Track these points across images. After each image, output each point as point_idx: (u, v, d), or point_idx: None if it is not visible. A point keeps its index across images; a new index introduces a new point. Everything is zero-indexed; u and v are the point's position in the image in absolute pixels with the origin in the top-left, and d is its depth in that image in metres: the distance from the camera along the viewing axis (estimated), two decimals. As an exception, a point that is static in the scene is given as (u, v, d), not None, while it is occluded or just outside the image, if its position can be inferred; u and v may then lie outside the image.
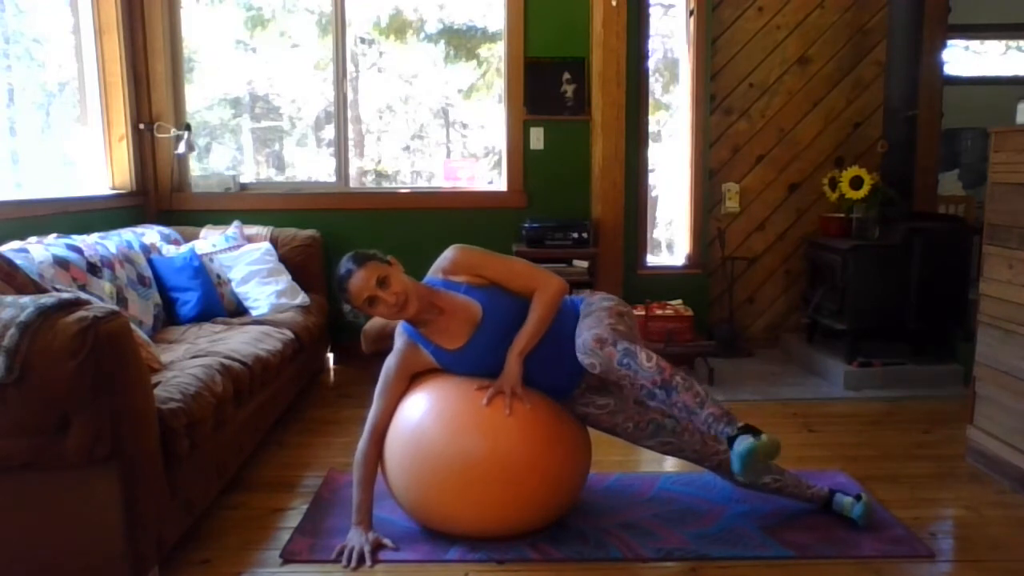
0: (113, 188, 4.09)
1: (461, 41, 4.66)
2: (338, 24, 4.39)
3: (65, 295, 1.91)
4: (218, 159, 4.76)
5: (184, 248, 3.72)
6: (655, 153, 4.75)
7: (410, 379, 2.35)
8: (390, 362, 2.34)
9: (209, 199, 4.36)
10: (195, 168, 4.53)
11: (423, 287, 2.26)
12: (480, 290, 2.27)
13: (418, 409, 2.23)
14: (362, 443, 2.29)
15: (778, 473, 2.40)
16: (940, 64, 4.46)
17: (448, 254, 2.32)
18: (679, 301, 4.20)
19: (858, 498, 2.37)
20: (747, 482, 2.20)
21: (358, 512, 2.24)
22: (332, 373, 4.27)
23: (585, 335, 2.11)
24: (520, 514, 2.22)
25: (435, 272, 2.33)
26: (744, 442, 1.92)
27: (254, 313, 3.59)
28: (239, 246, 3.85)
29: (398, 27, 4.65)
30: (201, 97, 4.62)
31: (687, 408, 2.03)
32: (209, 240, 3.86)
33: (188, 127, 4.25)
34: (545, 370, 2.29)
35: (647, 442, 2.38)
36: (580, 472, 2.34)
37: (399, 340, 2.36)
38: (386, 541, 2.22)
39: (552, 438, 2.22)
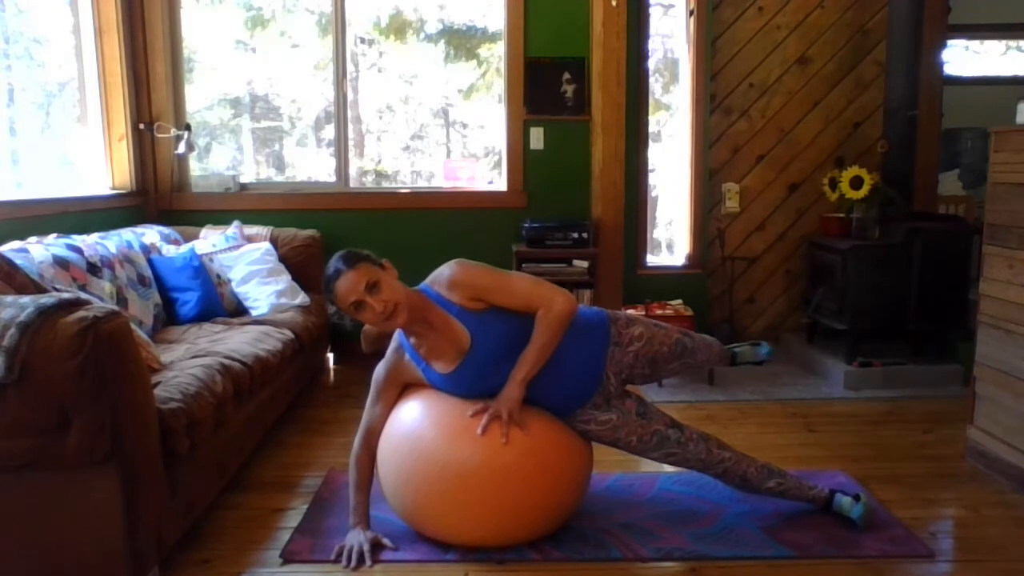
0: (113, 188, 4.09)
1: (461, 41, 4.66)
2: (338, 24, 4.39)
3: (65, 295, 1.91)
4: (218, 159, 4.76)
5: (184, 248, 3.72)
6: (655, 153, 4.75)
7: (401, 386, 2.32)
8: (379, 370, 2.31)
9: (209, 199, 4.36)
10: (195, 168, 4.53)
11: (417, 297, 2.15)
12: (473, 316, 2.15)
13: (414, 418, 2.21)
14: (355, 447, 2.29)
15: (781, 477, 2.39)
16: (940, 64, 4.46)
17: (446, 271, 2.18)
18: (679, 301, 4.20)
19: (857, 498, 2.36)
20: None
21: (355, 513, 2.24)
22: (332, 373, 4.26)
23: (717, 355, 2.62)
24: (518, 525, 2.18)
25: (431, 283, 2.20)
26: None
27: (254, 313, 3.59)
28: (239, 246, 3.85)
29: (398, 27, 4.65)
30: (201, 97, 4.62)
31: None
32: (209, 240, 3.86)
33: (188, 127, 4.25)
34: (550, 390, 2.22)
35: (652, 454, 2.32)
36: (580, 481, 2.29)
37: (391, 347, 2.32)
38: (385, 541, 2.21)
39: (552, 447, 2.19)
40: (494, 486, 2.10)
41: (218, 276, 3.66)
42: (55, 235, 3.04)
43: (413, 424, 2.20)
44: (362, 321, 2.14)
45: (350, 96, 4.55)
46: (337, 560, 2.15)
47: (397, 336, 2.31)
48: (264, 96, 4.78)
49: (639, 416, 2.30)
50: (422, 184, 4.81)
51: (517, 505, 2.14)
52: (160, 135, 4.25)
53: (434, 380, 2.25)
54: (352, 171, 4.60)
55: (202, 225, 4.11)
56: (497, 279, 2.18)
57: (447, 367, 2.20)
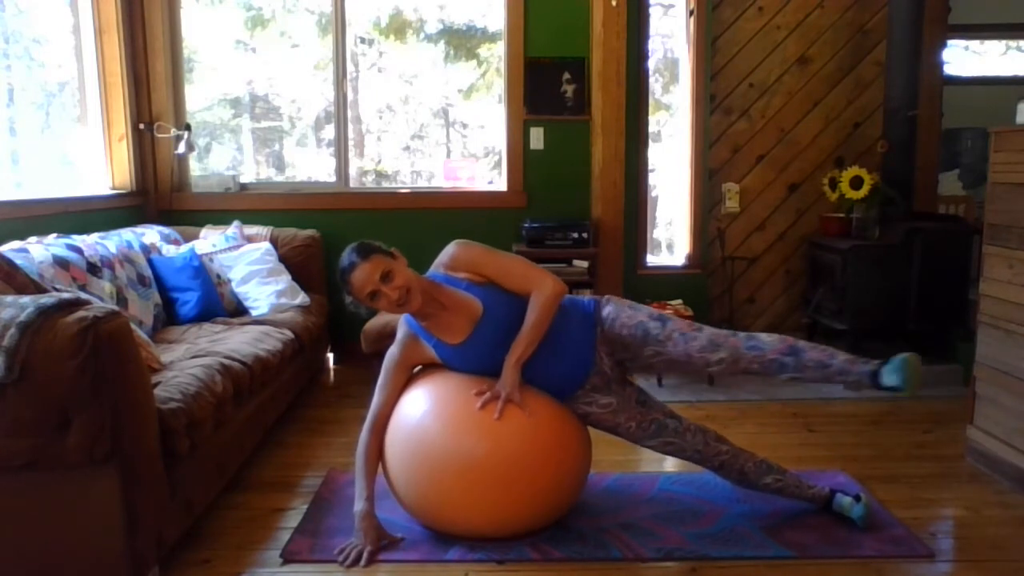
0: (113, 188, 4.09)
1: (461, 41, 4.66)
2: (338, 24, 4.39)
3: (65, 295, 1.91)
4: (218, 159, 4.76)
5: (184, 248, 3.72)
6: (655, 153, 4.75)
7: (411, 370, 2.36)
8: (392, 352, 2.35)
9: (209, 199, 4.36)
10: (195, 168, 4.53)
11: (425, 281, 2.26)
12: (480, 287, 2.26)
13: (419, 408, 2.23)
14: (363, 434, 2.30)
15: (779, 473, 2.40)
16: (940, 64, 4.46)
17: (449, 249, 2.31)
18: (679, 301, 4.20)
19: (857, 498, 2.36)
20: (910, 392, 2.07)
21: (360, 497, 2.23)
22: (332, 373, 4.26)
23: (708, 358, 2.20)
24: (520, 514, 2.21)
25: (437, 267, 2.33)
26: (895, 360, 2.07)
27: (254, 313, 3.59)
28: (239, 246, 3.85)
29: (398, 27, 4.65)
30: (201, 97, 4.62)
31: (821, 363, 2.15)
32: (209, 240, 3.86)
33: (188, 127, 4.25)
34: (547, 370, 2.27)
35: (649, 442, 2.37)
36: (580, 472, 2.33)
37: (401, 331, 2.37)
38: (392, 536, 2.23)
39: (552, 438, 2.22)
40: (497, 475, 2.13)
41: (218, 276, 3.66)
42: (55, 235, 3.04)
43: (418, 415, 2.22)
44: (379, 309, 2.23)
45: (350, 96, 4.55)
46: (339, 555, 2.16)
47: (403, 319, 2.36)
48: (264, 96, 4.78)
49: (639, 404, 2.36)
50: (422, 184, 4.81)
51: (520, 494, 2.17)
52: (160, 135, 4.25)
53: (445, 355, 2.29)
54: (352, 171, 4.60)
55: (202, 225, 4.11)
56: (494, 257, 2.31)
57: (459, 337, 2.25)
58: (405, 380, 2.34)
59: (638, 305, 2.38)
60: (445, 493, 2.17)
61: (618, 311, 2.34)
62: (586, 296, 2.49)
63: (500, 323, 2.24)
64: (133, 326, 2.02)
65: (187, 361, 2.58)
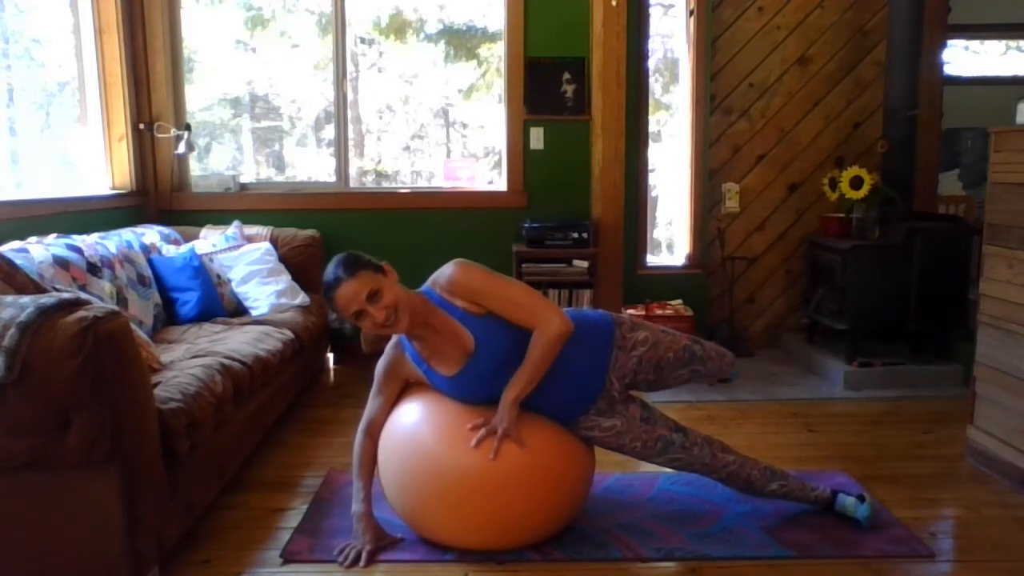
0: (113, 188, 4.09)
1: (461, 41, 4.66)
2: (338, 24, 4.39)
3: (65, 295, 1.91)
4: (218, 159, 4.76)
5: (184, 248, 3.72)
6: (655, 153, 4.75)
7: (402, 381, 2.32)
8: (380, 365, 2.32)
9: (209, 199, 4.36)
10: (195, 168, 4.53)
11: (419, 300, 2.12)
12: (476, 320, 2.11)
13: (415, 422, 2.20)
14: (358, 437, 2.29)
15: (783, 479, 2.38)
16: (940, 64, 4.46)
17: (448, 271, 2.13)
18: (679, 301, 4.21)
19: (861, 499, 2.36)
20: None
21: (357, 499, 2.23)
22: (332, 373, 4.26)
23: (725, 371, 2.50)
24: (516, 531, 2.17)
25: (433, 285, 2.16)
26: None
27: (254, 313, 3.59)
28: (239, 246, 3.85)
29: (398, 27, 4.65)
30: (201, 97, 4.62)
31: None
32: (209, 240, 3.86)
33: (188, 127, 4.25)
34: (551, 399, 2.19)
35: (656, 459, 2.30)
36: (580, 488, 2.27)
37: (391, 343, 2.32)
38: (392, 535, 2.23)
39: (552, 455, 2.17)
40: (493, 492, 2.09)
41: (218, 276, 3.66)
42: (55, 235, 3.04)
43: (414, 428, 2.19)
44: (364, 328, 2.12)
45: (350, 96, 4.55)
46: (338, 555, 2.16)
47: (398, 337, 2.31)
48: (264, 96, 4.78)
49: (643, 421, 2.27)
50: (422, 184, 4.81)
51: (516, 511, 2.13)
52: (160, 135, 4.25)
53: (437, 383, 2.23)
54: (352, 171, 4.60)
55: (202, 225, 4.11)
56: (495, 286, 2.13)
57: (451, 369, 2.17)
58: (398, 388, 2.31)
59: (667, 328, 2.40)
60: (441, 508, 2.13)
61: (655, 335, 2.32)
62: (595, 309, 2.43)
63: (495, 358, 2.12)
64: (133, 326, 2.02)
65: (187, 361, 2.58)
